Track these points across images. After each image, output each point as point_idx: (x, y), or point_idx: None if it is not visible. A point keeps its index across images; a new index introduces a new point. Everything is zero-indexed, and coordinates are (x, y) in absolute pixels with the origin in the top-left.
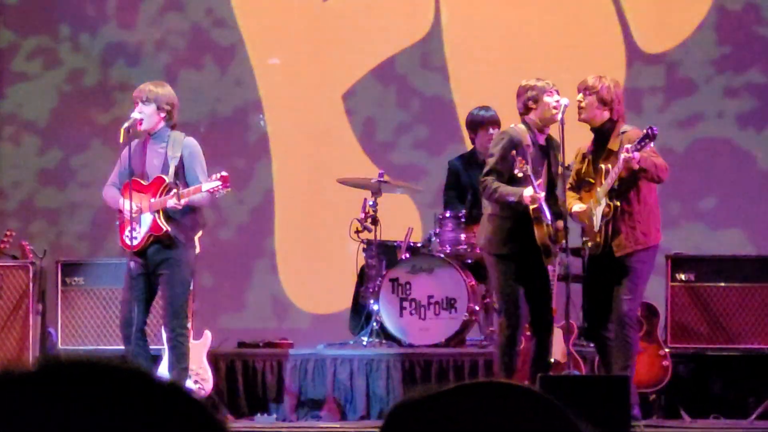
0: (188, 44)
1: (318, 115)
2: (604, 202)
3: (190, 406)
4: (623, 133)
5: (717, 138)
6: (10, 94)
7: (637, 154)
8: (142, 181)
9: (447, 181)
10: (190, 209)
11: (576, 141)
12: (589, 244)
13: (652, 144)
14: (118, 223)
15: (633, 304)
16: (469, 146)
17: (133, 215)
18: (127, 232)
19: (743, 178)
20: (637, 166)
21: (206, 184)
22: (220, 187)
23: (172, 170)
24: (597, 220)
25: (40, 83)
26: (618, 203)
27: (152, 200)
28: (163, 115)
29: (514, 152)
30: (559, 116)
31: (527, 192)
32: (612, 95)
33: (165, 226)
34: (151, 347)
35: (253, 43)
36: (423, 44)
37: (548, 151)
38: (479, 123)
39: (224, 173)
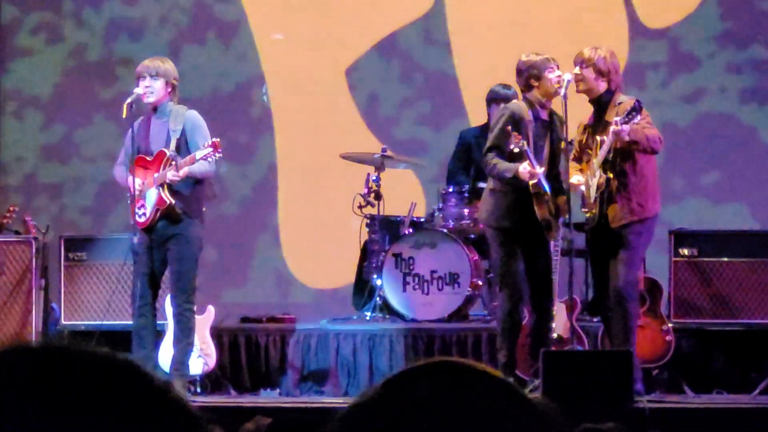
0: (191, 19)
1: (321, 90)
2: (598, 173)
3: (176, 409)
4: (619, 104)
5: (720, 113)
6: (14, 70)
7: (626, 127)
8: (147, 158)
9: (455, 151)
10: (195, 181)
11: (580, 115)
12: (587, 215)
13: (638, 117)
14: (129, 201)
15: (629, 276)
16: (474, 122)
17: (138, 192)
18: (137, 209)
19: (746, 153)
20: (627, 138)
21: (199, 152)
22: (212, 152)
23: (173, 143)
24: (592, 192)
25: (44, 58)
26: (611, 175)
27: (155, 175)
28: (169, 89)
29: (509, 128)
30: (562, 91)
31: (523, 168)
32: (608, 66)
33: (169, 199)
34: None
35: (257, 18)
36: (426, 19)
37: (551, 125)
38: (493, 98)
39: (215, 139)
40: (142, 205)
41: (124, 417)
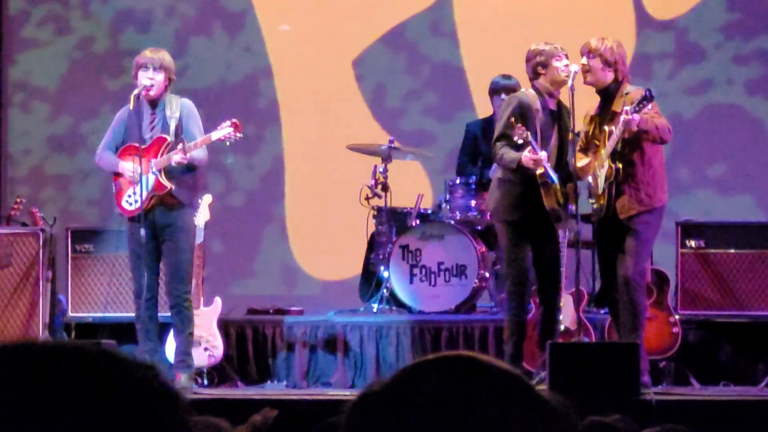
0: (198, 11)
1: (328, 81)
2: (606, 164)
3: (161, 398)
4: (627, 94)
5: (726, 104)
6: (21, 61)
7: (636, 116)
8: (139, 145)
9: (463, 144)
10: (190, 169)
11: (587, 106)
12: (595, 206)
13: (650, 106)
14: (114, 190)
15: (638, 267)
16: (481, 113)
17: (135, 179)
18: (126, 197)
19: (753, 144)
20: (636, 128)
21: (216, 132)
22: (232, 132)
23: (172, 129)
24: (601, 182)
25: (51, 50)
26: (620, 165)
27: (154, 160)
28: (166, 83)
29: (512, 119)
30: (570, 82)
31: (525, 156)
32: (615, 56)
33: (168, 184)
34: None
35: (263, 9)
36: (433, 10)
37: (558, 116)
38: (493, 89)
39: (234, 119)
40: (133, 193)
41: (105, 408)
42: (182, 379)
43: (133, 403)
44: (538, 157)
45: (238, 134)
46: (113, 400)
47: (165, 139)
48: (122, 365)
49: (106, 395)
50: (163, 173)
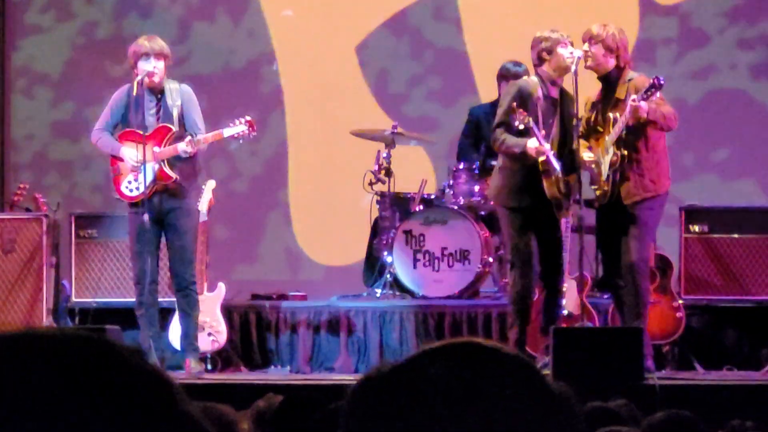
0: None
1: (331, 67)
2: (611, 150)
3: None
4: (630, 80)
5: (730, 89)
6: (24, 47)
7: (644, 104)
8: (139, 131)
9: (465, 128)
10: (190, 156)
11: (589, 92)
12: (598, 192)
13: (658, 93)
14: (113, 174)
15: (643, 252)
16: (484, 98)
17: (137, 165)
18: (126, 183)
19: (756, 129)
20: (644, 116)
21: (229, 129)
22: (246, 131)
23: (175, 118)
24: (605, 169)
25: (53, 36)
26: (626, 152)
27: (157, 149)
28: (166, 69)
29: (514, 104)
30: (573, 68)
31: (531, 143)
32: (617, 42)
33: (173, 175)
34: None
35: None
36: None
37: (561, 104)
38: (503, 75)
39: (249, 117)
40: (134, 179)
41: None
42: (192, 363)
43: (121, 388)
44: (542, 149)
45: (253, 133)
46: (100, 386)
47: (170, 129)
48: (108, 350)
49: (92, 382)
50: (166, 163)
